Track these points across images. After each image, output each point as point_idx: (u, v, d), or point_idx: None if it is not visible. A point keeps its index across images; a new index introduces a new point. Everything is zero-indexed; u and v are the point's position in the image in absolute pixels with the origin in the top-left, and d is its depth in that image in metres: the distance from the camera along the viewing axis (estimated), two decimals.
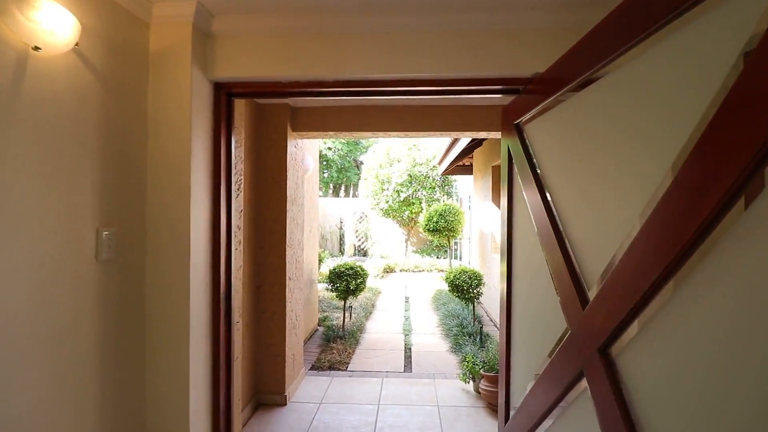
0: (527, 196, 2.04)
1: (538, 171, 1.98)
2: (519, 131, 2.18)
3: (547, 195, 1.87)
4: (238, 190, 2.61)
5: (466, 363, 3.73)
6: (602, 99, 1.47)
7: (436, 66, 2.08)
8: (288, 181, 3.43)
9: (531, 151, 2.06)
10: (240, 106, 2.72)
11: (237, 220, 2.62)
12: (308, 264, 5.24)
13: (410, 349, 5.00)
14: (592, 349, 1.40)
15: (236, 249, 2.61)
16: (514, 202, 2.27)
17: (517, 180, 2.21)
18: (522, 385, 2.15)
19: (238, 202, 2.59)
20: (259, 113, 3.35)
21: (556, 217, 1.78)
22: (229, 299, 2.27)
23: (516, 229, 2.23)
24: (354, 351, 4.84)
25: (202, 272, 2.08)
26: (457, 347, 4.88)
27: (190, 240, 1.96)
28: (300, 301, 3.87)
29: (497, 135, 3.65)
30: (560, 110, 1.80)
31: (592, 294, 1.46)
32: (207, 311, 2.13)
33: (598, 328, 1.36)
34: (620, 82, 1.37)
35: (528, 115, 2.10)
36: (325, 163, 18.63)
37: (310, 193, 5.40)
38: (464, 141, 5.66)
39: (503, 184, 2.35)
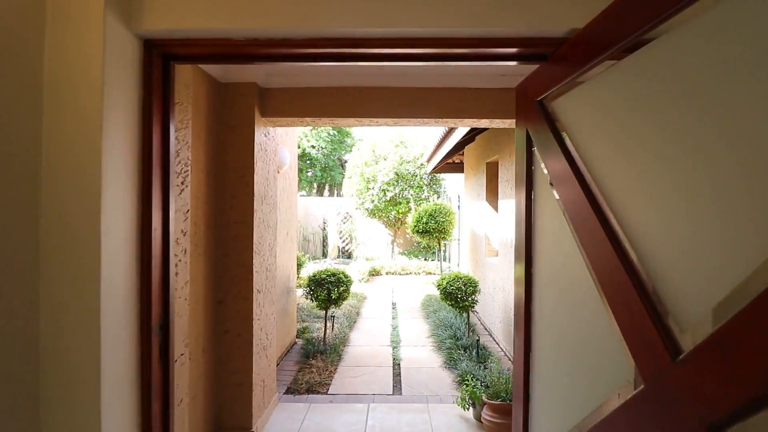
0: (559, 190, 1.58)
1: (576, 159, 1.50)
2: (544, 111, 1.72)
3: (593, 189, 1.39)
4: (182, 184, 2.05)
5: (466, 386, 3.24)
6: (702, 48, 0.97)
7: (438, 19, 1.56)
8: (256, 176, 2.87)
9: (564, 134, 1.58)
10: (185, 76, 2.16)
11: (181, 224, 2.07)
12: (284, 271, 4.68)
13: (399, 365, 4.48)
14: (695, 424, 0.91)
15: (180, 260, 2.06)
16: (535, 197, 1.82)
17: (540, 171, 1.77)
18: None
19: (183, 200, 2.03)
20: (219, 94, 2.79)
21: (610, 217, 1.30)
22: (167, 328, 1.72)
23: (538, 228, 1.78)
24: (336, 369, 4.30)
25: (123, 295, 1.53)
26: (451, 362, 4.39)
27: (100, 253, 1.40)
28: (272, 316, 3.32)
29: (500, 124, 3.17)
30: (614, 76, 1.31)
31: (690, 335, 0.98)
32: (132, 348, 1.58)
33: (713, 394, 0.87)
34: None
35: (557, 88, 1.62)
36: (308, 161, 17.99)
37: (287, 191, 4.84)
38: (458, 134, 5.18)
39: (519, 177, 1.90)
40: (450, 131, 5.40)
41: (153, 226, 1.64)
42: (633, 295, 1.12)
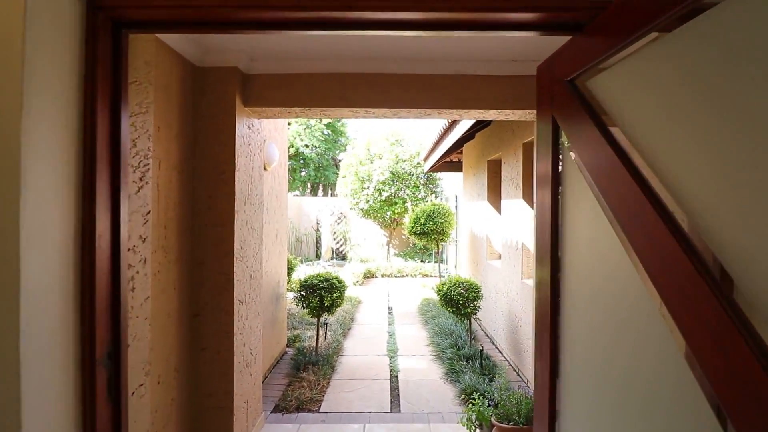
0: (600, 187, 1.30)
1: (626, 149, 1.22)
2: (577, 93, 1.44)
3: (652, 186, 1.11)
4: (140, 180, 1.73)
5: (472, 404, 2.94)
6: None
7: None
8: (237, 173, 2.55)
9: (613, 120, 1.30)
10: (146, 51, 1.84)
11: (140, 228, 1.75)
12: (273, 276, 4.36)
13: (397, 377, 4.17)
14: None
15: (138, 272, 1.73)
16: (564, 194, 1.55)
17: (570, 164, 1.52)
18: None
19: (141, 200, 1.71)
20: (196, 79, 2.47)
21: (680, 222, 1.02)
22: (118, 356, 1.40)
23: (567, 230, 1.54)
24: (329, 382, 3.99)
25: (55, 323, 1.20)
26: (453, 375, 4.09)
27: (19, 272, 1.08)
28: (257, 329, 3.00)
29: (510, 116, 2.88)
30: (689, 38, 1.01)
31: None
32: (69, 387, 1.26)
33: None
34: None
35: (596, 63, 1.34)
36: (302, 161, 17.63)
37: (276, 190, 4.52)
38: (459, 130, 4.88)
39: (541, 172, 1.67)
40: (450, 126, 5.10)
41: (98, 232, 1.32)
42: (723, 320, 0.83)
